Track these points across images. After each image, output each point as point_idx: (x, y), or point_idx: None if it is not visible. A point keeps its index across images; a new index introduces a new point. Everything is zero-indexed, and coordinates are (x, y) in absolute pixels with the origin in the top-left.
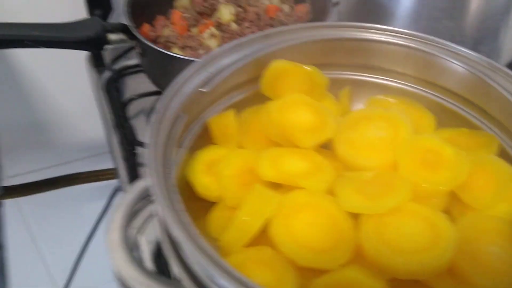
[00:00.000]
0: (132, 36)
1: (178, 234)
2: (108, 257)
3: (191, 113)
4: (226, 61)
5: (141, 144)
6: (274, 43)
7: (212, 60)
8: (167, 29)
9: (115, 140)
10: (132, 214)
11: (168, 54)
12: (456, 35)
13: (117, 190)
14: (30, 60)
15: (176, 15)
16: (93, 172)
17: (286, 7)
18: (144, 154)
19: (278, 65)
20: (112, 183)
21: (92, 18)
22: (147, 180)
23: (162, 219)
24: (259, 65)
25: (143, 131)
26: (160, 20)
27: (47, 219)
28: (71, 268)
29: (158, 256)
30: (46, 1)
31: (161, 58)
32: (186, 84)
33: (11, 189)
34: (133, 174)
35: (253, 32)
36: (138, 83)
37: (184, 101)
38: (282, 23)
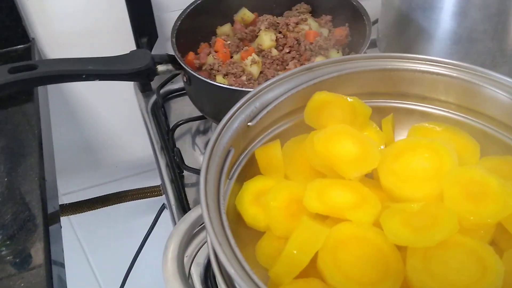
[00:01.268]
0: (179, 66)
1: (230, 269)
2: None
3: (239, 146)
4: (271, 95)
5: (187, 167)
6: (317, 76)
7: (258, 94)
8: (211, 57)
9: (162, 163)
10: (185, 244)
11: (213, 84)
12: (498, 56)
13: (164, 207)
14: (82, 87)
15: (219, 42)
16: (141, 190)
17: (325, 31)
18: (199, 188)
19: (321, 97)
20: (159, 199)
21: (142, 50)
22: (202, 212)
23: (214, 253)
24: (303, 96)
25: (189, 153)
26: (204, 47)
27: (97, 236)
28: (121, 282)
29: (206, 278)
30: (97, 29)
31: (205, 87)
32: (234, 119)
33: (64, 207)
34: (180, 196)
35: (293, 57)
36: (183, 106)
37: (233, 135)
38: (322, 48)
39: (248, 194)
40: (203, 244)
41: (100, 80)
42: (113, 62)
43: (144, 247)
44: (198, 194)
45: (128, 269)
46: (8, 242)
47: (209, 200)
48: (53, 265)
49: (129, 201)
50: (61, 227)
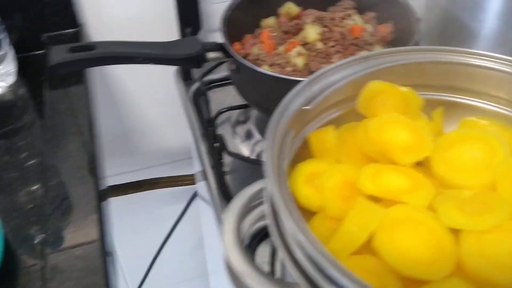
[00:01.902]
0: (228, 55)
1: (301, 236)
2: (225, 256)
3: (296, 129)
4: (327, 81)
5: (231, 153)
6: (371, 65)
7: (315, 80)
8: (256, 47)
9: (203, 150)
10: (241, 218)
11: (263, 73)
12: None
13: (195, 195)
14: (123, 72)
15: (265, 34)
16: (173, 178)
17: (369, 27)
18: (264, 166)
19: (375, 85)
20: (190, 188)
21: (192, 38)
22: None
23: (276, 225)
24: (357, 85)
25: (229, 141)
26: (248, 38)
27: (126, 221)
28: (145, 270)
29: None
30: (142, 17)
31: (254, 75)
32: (292, 102)
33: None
34: (221, 181)
35: (338, 51)
36: (223, 96)
37: (292, 117)
38: (367, 43)
39: (301, 175)
40: (255, 221)
41: (153, 63)
42: (167, 47)
43: (172, 235)
44: (235, 181)
45: (155, 256)
46: (62, 215)
47: (275, 176)
48: (105, 237)
49: (161, 188)
50: (108, 204)
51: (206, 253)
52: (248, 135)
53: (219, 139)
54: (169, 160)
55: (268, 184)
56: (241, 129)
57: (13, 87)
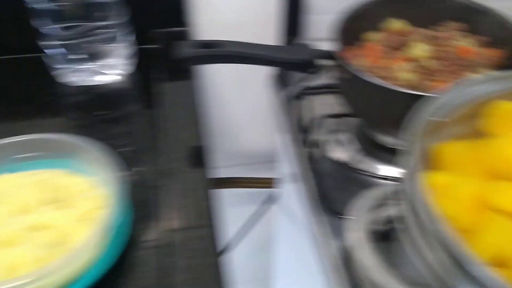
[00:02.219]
0: (337, 63)
1: (450, 238)
2: (356, 252)
3: (422, 139)
4: (454, 96)
5: (330, 159)
6: (498, 86)
7: (444, 94)
8: (359, 59)
9: (297, 154)
10: (372, 215)
11: (381, 85)
12: None
13: (270, 199)
14: (217, 71)
15: (370, 47)
16: (254, 179)
17: (479, 50)
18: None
19: (503, 105)
20: (265, 191)
21: (303, 44)
22: (411, 191)
23: (423, 227)
24: (482, 104)
25: (325, 147)
26: (352, 50)
27: None
28: None
29: None
30: (247, 23)
31: (368, 86)
32: (423, 114)
33: None
34: (319, 185)
35: (445, 70)
36: (315, 103)
37: (418, 128)
38: (476, 65)
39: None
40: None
41: (267, 65)
42: (280, 51)
43: (246, 235)
44: (329, 187)
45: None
46: (177, 199)
47: (419, 180)
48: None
49: (239, 187)
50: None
51: (274, 256)
52: (343, 143)
53: (318, 144)
54: (246, 161)
55: (412, 187)
56: (337, 137)
57: (124, 78)
